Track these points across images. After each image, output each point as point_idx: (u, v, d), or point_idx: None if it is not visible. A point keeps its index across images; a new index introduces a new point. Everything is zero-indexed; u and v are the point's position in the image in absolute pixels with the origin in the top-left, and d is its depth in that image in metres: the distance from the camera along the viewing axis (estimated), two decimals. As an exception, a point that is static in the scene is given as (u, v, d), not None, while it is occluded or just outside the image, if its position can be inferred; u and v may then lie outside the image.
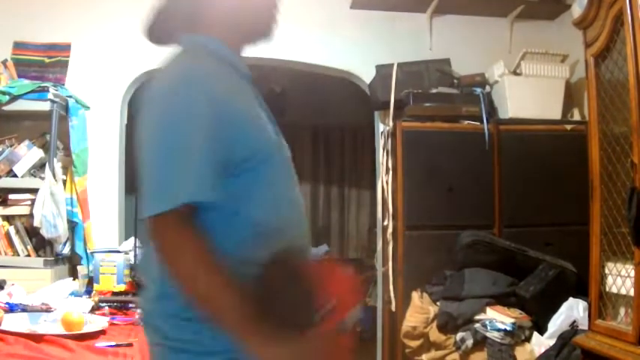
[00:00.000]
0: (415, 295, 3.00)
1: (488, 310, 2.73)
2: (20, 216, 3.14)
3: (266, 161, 1.17)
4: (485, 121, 3.24)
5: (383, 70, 3.48)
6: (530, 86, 3.40)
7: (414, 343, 2.84)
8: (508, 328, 2.60)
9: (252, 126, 1.17)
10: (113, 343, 1.88)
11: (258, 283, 1.07)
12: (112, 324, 2.20)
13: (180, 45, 1.24)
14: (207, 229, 1.08)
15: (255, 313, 1.03)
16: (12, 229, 3.11)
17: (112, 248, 3.18)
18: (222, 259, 1.05)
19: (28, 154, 3.19)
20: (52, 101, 3.16)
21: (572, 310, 2.66)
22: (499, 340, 2.60)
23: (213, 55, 1.20)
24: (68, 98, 3.34)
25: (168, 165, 1.09)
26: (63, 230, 3.11)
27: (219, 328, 1.04)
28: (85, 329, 1.99)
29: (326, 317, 1.08)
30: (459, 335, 2.66)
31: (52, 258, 3.12)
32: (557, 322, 2.65)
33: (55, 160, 3.16)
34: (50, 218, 3.03)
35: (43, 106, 3.16)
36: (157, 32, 1.34)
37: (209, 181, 1.07)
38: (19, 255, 3.09)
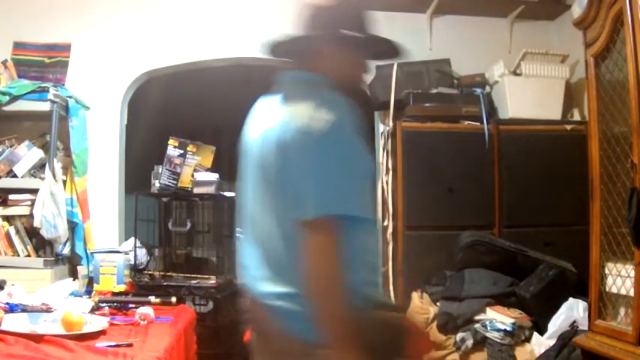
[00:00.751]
0: (415, 295, 3.00)
1: (488, 310, 2.73)
2: (20, 216, 3.14)
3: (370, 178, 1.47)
4: (485, 121, 3.24)
5: (383, 70, 3.48)
6: (530, 86, 3.40)
7: (414, 344, 2.84)
8: (508, 329, 2.60)
9: (367, 152, 1.41)
10: (113, 344, 1.88)
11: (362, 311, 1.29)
12: (112, 324, 2.20)
13: (291, 74, 1.54)
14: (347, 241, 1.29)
15: (352, 331, 1.23)
16: (12, 230, 3.11)
17: (112, 248, 3.18)
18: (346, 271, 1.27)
19: (28, 154, 3.19)
20: (52, 101, 3.16)
21: (572, 310, 2.66)
22: (499, 341, 2.60)
23: (323, 85, 1.46)
24: (68, 98, 3.34)
25: (333, 180, 1.30)
26: (63, 230, 3.11)
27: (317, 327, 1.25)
28: (85, 329, 1.99)
29: None
30: (459, 335, 2.66)
31: (52, 258, 3.12)
32: (557, 323, 2.65)
33: (55, 160, 3.16)
34: (50, 218, 3.03)
35: (43, 106, 3.16)
36: (280, 51, 1.64)
37: (362, 201, 1.34)
38: (19, 255, 3.09)
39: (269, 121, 1.42)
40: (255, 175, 1.41)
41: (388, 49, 1.60)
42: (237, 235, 1.54)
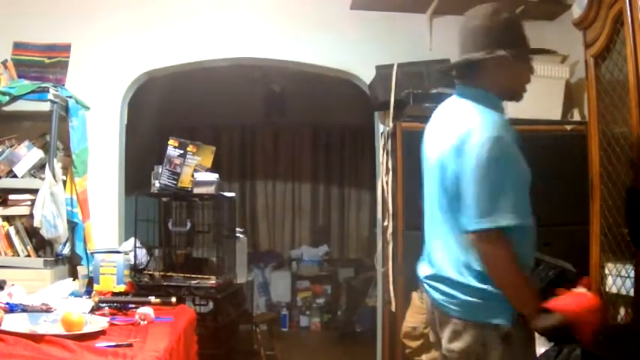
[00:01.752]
0: (415, 295, 3.00)
1: (489, 310, 2.73)
2: (20, 216, 3.15)
3: None
4: (485, 121, 3.24)
5: (383, 71, 3.48)
6: (530, 86, 3.38)
7: (414, 344, 2.84)
8: (508, 329, 2.59)
9: (526, 165, 1.93)
10: (113, 344, 1.88)
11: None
12: (112, 324, 2.20)
13: (470, 91, 1.82)
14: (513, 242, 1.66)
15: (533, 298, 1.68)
16: (12, 230, 3.11)
17: (112, 248, 3.18)
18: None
19: (28, 154, 3.19)
20: (52, 102, 3.16)
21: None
22: (499, 341, 2.59)
23: (494, 105, 1.80)
24: (68, 99, 3.34)
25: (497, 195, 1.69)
26: (63, 230, 3.11)
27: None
28: (85, 329, 1.99)
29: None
30: (459, 335, 2.66)
31: (52, 258, 3.12)
32: (558, 323, 2.64)
33: (55, 160, 3.16)
34: (50, 218, 3.03)
35: (43, 106, 3.16)
36: (460, 71, 1.87)
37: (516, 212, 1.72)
38: (19, 255, 3.09)
39: (453, 136, 1.70)
40: (440, 180, 1.75)
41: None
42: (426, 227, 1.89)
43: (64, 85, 3.49)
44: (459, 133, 1.68)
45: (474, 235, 1.62)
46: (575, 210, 2.75)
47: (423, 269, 1.90)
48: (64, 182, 3.29)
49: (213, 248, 3.22)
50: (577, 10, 2.82)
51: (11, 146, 3.21)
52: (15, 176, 3.16)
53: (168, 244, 3.34)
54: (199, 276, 3.09)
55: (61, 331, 1.94)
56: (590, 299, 1.79)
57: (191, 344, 2.55)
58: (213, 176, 3.18)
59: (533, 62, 1.91)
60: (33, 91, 3.18)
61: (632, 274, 2.02)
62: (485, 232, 1.61)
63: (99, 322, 2.13)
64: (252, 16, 3.70)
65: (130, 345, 1.88)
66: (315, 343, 5.95)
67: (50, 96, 3.16)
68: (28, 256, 3.10)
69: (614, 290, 2.15)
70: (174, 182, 3.12)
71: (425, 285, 1.87)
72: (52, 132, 3.18)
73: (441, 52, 3.70)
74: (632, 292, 2.02)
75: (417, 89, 3.37)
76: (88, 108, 3.50)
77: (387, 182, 3.35)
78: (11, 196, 3.15)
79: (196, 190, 3.15)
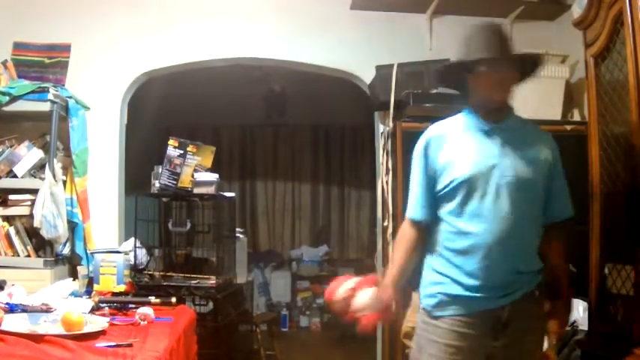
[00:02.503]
0: (415, 295, 2.99)
1: (489, 310, 2.73)
2: (20, 216, 3.15)
3: None
4: (485, 121, 3.24)
5: (383, 71, 3.48)
6: (530, 86, 3.37)
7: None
8: (508, 329, 2.59)
9: None
10: (113, 344, 1.88)
11: None
12: (112, 324, 2.20)
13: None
14: None
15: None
16: (12, 230, 3.11)
17: (112, 248, 3.18)
18: None
19: (28, 154, 3.19)
20: (52, 102, 3.16)
21: (572, 311, 2.66)
22: (499, 341, 2.59)
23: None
24: (68, 99, 3.34)
25: None
26: (63, 231, 3.11)
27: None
28: (85, 329, 1.99)
29: None
30: (459, 335, 2.66)
31: (52, 258, 3.12)
32: (557, 323, 2.64)
33: (55, 160, 3.16)
34: (50, 219, 3.03)
35: (43, 106, 3.16)
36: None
37: None
38: (19, 255, 3.09)
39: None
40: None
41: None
42: None
43: (64, 85, 3.49)
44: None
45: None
46: (575, 210, 2.76)
47: None
48: (64, 182, 3.29)
49: (213, 248, 3.22)
50: (577, 10, 2.83)
51: (11, 146, 3.21)
52: (15, 176, 3.16)
53: (168, 244, 3.34)
54: (199, 276, 3.09)
55: (61, 331, 1.94)
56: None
57: (191, 344, 2.55)
58: (213, 176, 3.18)
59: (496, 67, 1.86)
60: (33, 91, 3.18)
61: (632, 274, 2.02)
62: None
63: (99, 322, 2.13)
64: (252, 16, 3.70)
65: (130, 345, 1.88)
66: (315, 343, 5.95)
67: (50, 96, 3.16)
68: (28, 256, 3.10)
69: (614, 290, 2.15)
70: (174, 182, 3.12)
71: None
72: (52, 132, 3.18)
73: (441, 52, 3.70)
74: (632, 292, 2.02)
75: (417, 89, 3.36)
76: (88, 108, 3.50)
77: (387, 182, 3.35)
78: (11, 196, 3.15)
79: (196, 190, 3.15)
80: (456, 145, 1.90)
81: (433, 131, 1.97)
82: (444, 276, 1.87)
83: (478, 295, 1.82)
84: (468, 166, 1.85)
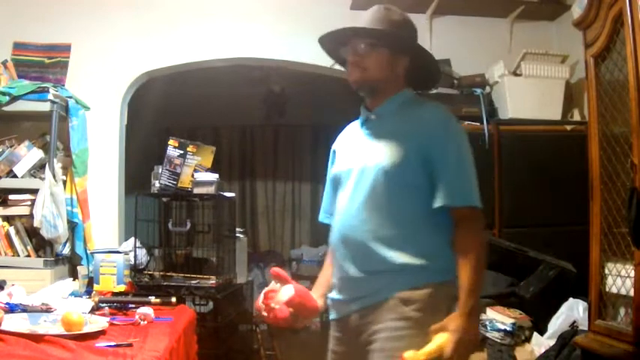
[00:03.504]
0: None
1: (488, 310, 2.73)
2: (20, 216, 3.15)
3: None
4: (485, 121, 3.24)
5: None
6: (530, 87, 3.40)
7: (414, 344, 2.83)
8: (508, 329, 2.60)
9: None
10: (113, 344, 1.88)
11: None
12: (112, 324, 2.20)
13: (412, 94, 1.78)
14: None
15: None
16: (12, 230, 3.11)
17: (112, 248, 3.18)
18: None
19: (28, 154, 3.19)
20: (52, 102, 3.16)
21: (572, 311, 2.66)
22: (499, 341, 2.59)
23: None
24: (68, 99, 3.34)
25: (471, 176, 1.63)
26: (63, 230, 3.11)
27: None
28: (85, 329, 1.99)
29: None
30: (459, 335, 2.66)
31: (52, 258, 3.12)
32: (557, 323, 2.65)
33: (55, 160, 3.16)
34: (50, 218, 3.03)
35: (43, 106, 3.16)
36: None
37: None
38: (19, 255, 3.09)
39: None
40: None
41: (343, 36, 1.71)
42: None
43: (64, 85, 3.49)
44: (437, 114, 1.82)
45: (470, 210, 1.68)
46: (575, 210, 2.76)
47: None
48: (64, 182, 3.29)
49: (213, 248, 3.22)
50: (577, 10, 2.83)
51: (11, 146, 3.21)
52: (15, 176, 3.16)
53: (168, 244, 3.33)
54: (199, 276, 3.09)
55: (61, 331, 1.94)
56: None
57: (191, 344, 2.55)
58: (213, 176, 3.18)
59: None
60: (33, 91, 3.18)
61: (632, 274, 2.02)
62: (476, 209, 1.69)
63: (99, 322, 2.13)
64: (252, 16, 3.70)
65: (130, 345, 1.88)
66: (315, 343, 5.94)
67: (50, 96, 3.16)
68: (28, 256, 3.10)
69: (614, 290, 2.15)
70: (174, 182, 3.12)
71: None
72: (52, 132, 3.18)
73: (441, 52, 3.70)
74: (632, 292, 2.02)
75: (417, 89, 3.36)
76: (88, 108, 3.50)
77: (387, 182, 3.35)
78: (11, 196, 3.15)
79: (196, 190, 3.14)
80: (342, 144, 1.82)
81: (340, 135, 1.87)
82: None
83: (338, 297, 1.70)
84: (337, 164, 1.78)
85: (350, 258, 1.64)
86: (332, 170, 1.80)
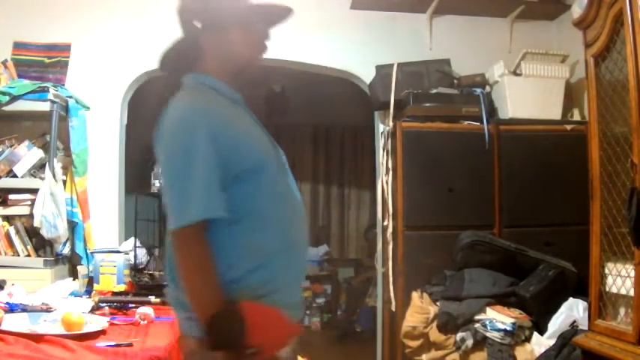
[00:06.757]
0: (415, 295, 3.00)
1: (489, 310, 2.74)
2: (20, 216, 3.14)
3: (264, 169, 1.42)
4: (485, 121, 3.25)
5: (383, 70, 3.48)
6: (530, 86, 3.40)
7: (414, 343, 2.84)
8: (508, 328, 2.60)
9: (247, 142, 1.41)
10: (113, 343, 1.88)
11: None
12: (112, 324, 2.20)
13: (185, 80, 1.49)
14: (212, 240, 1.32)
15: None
16: (12, 230, 3.11)
17: (112, 248, 3.18)
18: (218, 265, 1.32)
19: (28, 154, 3.19)
20: (52, 101, 3.16)
21: (572, 310, 2.66)
22: (499, 340, 2.60)
23: (210, 89, 1.45)
24: (68, 98, 3.34)
25: (182, 189, 1.31)
26: (63, 230, 3.11)
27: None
28: (85, 329, 1.99)
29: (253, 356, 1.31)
30: (459, 335, 2.67)
31: (52, 258, 3.12)
32: (557, 322, 2.65)
33: (55, 160, 3.16)
34: (50, 218, 3.03)
35: (43, 106, 3.16)
36: (168, 65, 1.56)
37: (216, 201, 1.31)
38: (19, 255, 3.09)
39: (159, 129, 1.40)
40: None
41: (277, 12, 1.53)
42: None
43: (64, 85, 3.49)
44: (162, 124, 1.42)
45: (174, 233, 1.33)
46: (575, 210, 2.76)
47: None
48: (64, 182, 3.29)
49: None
50: (577, 10, 2.83)
51: (11, 146, 3.21)
52: (15, 176, 3.16)
53: (168, 243, 3.33)
54: (199, 276, 3.09)
55: (61, 330, 1.95)
56: None
57: (191, 344, 2.55)
58: (214, 176, 3.18)
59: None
60: (33, 91, 3.18)
61: (632, 274, 2.02)
62: (184, 229, 1.32)
63: (99, 322, 2.13)
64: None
65: (130, 345, 1.89)
66: (315, 343, 5.94)
67: (50, 96, 3.16)
68: (28, 256, 3.10)
69: (614, 290, 2.15)
70: (175, 182, 3.11)
71: None
72: (52, 132, 3.17)
73: (441, 52, 3.71)
74: (632, 292, 2.02)
75: (417, 89, 3.37)
76: (88, 108, 3.50)
77: (387, 182, 3.36)
78: (11, 196, 3.15)
79: (196, 190, 3.14)
80: (239, 120, 1.53)
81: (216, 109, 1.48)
82: None
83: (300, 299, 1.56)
84: (258, 144, 1.51)
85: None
86: (250, 152, 1.40)
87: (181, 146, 1.32)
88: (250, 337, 1.30)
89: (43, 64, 3.54)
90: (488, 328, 2.64)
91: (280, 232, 1.41)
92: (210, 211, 1.30)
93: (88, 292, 2.92)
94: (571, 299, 2.71)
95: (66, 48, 3.57)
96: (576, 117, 3.48)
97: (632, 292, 2.02)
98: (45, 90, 3.18)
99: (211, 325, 1.28)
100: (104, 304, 2.53)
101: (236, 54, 1.49)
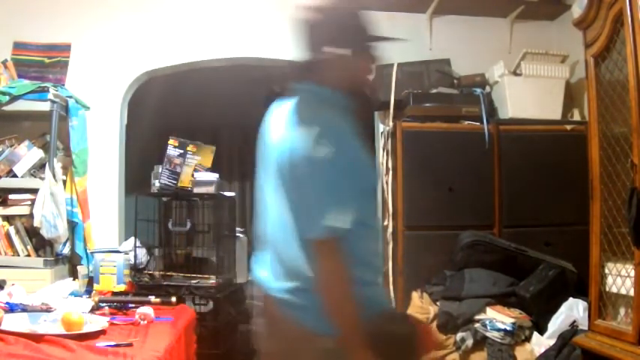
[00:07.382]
0: (415, 295, 3.00)
1: (489, 310, 2.73)
2: (20, 216, 3.14)
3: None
4: (485, 121, 3.25)
5: (383, 70, 3.48)
6: (530, 86, 3.40)
7: (414, 343, 2.84)
8: (508, 328, 2.60)
9: (367, 162, 1.55)
10: (113, 343, 1.88)
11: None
12: (112, 324, 2.20)
13: (299, 87, 1.66)
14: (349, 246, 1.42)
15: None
16: (12, 229, 3.11)
17: (112, 248, 3.18)
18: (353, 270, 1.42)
19: (28, 154, 3.19)
20: (52, 101, 3.16)
21: (572, 310, 2.66)
22: (499, 340, 2.60)
23: (327, 100, 1.58)
24: (68, 98, 3.34)
25: (334, 197, 1.41)
26: (63, 230, 3.11)
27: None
28: (85, 329, 1.99)
29: None
30: (459, 335, 2.67)
31: (52, 258, 3.12)
32: (557, 322, 2.65)
33: (55, 160, 3.16)
34: (50, 218, 3.03)
35: (43, 106, 3.16)
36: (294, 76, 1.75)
37: (352, 214, 1.41)
38: (19, 255, 3.09)
39: (284, 134, 1.53)
40: (276, 182, 1.53)
41: (384, 40, 1.71)
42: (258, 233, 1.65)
43: (64, 85, 3.49)
44: (293, 145, 1.51)
45: (317, 242, 1.42)
46: (575, 210, 2.76)
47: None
48: (64, 182, 3.29)
49: (213, 248, 3.22)
50: (577, 10, 2.83)
51: (11, 146, 3.21)
52: (15, 176, 3.16)
53: (168, 243, 3.34)
54: (199, 276, 3.09)
55: (61, 330, 1.95)
56: None
57: (191, 344, 2.55)
58: (213, 176, 3.18)
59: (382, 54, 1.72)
60: (33, 91, 3.18)
61: (632, 274, 2.02)
62: (327, 239, 1.42)
63: (99, 322, 2.13)
64: (252, 16, 3.70)
65: (130, 344, 1.89)
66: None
67: (50, 96, 3.16)
68: (28, 255, 3.10)
69: (614, 290, 2.15)
70: (174, 182, 3.12)
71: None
72: (52, 132, 3.17)
73: (441, 52, 3.71)
74: (632, 292, 2.02)
75: (417, 89, 3.37)
76: (88, 108, 3.50)
77: (387, 182, 3.35)
78: (11, 196, 3.15)
79: (196, 190, 3.15)
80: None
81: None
82: None
83: None
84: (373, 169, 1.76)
85: None
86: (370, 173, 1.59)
87: (330, 154, 1.40)
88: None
89: (43, 64, 3.54)
90: (488, 328, 2.64)
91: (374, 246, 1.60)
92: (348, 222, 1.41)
93: (88, 292, 2.92)
94: (571, 299, 2.71)
95: (66, 48, 3.57)
96: (576, 117, 3.48)
97: (632, 292, 2.02)
98: (45, 90, 3.18)
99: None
100: (104, 304, 2.53)
101: (353, 74, 1.65)
